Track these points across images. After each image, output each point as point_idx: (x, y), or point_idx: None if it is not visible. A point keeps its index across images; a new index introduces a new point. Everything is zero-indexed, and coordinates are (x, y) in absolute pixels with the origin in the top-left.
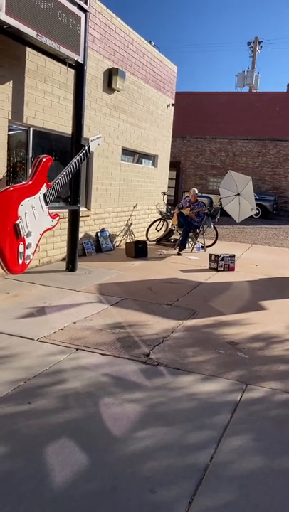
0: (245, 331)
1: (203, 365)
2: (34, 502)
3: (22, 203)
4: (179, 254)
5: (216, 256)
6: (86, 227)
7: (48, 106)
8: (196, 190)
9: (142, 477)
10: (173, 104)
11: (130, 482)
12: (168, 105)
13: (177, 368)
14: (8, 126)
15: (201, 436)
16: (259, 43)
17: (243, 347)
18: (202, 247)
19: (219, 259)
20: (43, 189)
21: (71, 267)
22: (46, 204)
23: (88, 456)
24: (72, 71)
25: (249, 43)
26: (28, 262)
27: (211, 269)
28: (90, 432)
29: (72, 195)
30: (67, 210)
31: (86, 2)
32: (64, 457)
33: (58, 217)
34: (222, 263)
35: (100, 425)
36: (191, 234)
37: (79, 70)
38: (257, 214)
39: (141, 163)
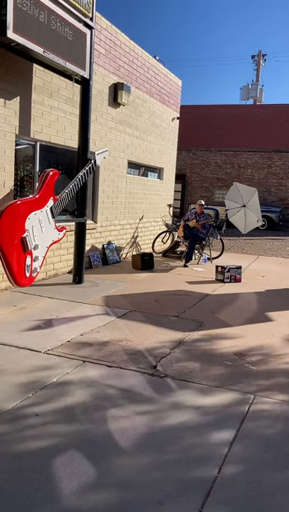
0: (252, 342)
1: (211, 377)
2: None
3: (29, 217)
4: (185, 266)
5: (222, 267)
6: (92, 240)
7: (55, 121)
8: (203, 202)
9: (150, 489)
10: (178, 118)
11: (138, 494)
12: (173, 118)
13: (184, 379)
14: (16, 140)
15: (209, 449)
16: (263, 56)
17: (250, 359)
18: (208, 258)
19: (226, 270)
20: (50, 202)
21: (78, 279)
22: (53, 217)
23: (96, 468)
24: (78, 86)
25: (253, 57)
26: (35, 274)
27: (218, 280)
28: (97, 444)
29: (79, 208)
30: (73, 223)
31: (92, 19)
32: (72, 469)
33: (64, 230)
34: (228, 274)
35: (107, 437)
36: (197, 246)
37: (85, 85)
38: (263, 225)
39: (147, 176)
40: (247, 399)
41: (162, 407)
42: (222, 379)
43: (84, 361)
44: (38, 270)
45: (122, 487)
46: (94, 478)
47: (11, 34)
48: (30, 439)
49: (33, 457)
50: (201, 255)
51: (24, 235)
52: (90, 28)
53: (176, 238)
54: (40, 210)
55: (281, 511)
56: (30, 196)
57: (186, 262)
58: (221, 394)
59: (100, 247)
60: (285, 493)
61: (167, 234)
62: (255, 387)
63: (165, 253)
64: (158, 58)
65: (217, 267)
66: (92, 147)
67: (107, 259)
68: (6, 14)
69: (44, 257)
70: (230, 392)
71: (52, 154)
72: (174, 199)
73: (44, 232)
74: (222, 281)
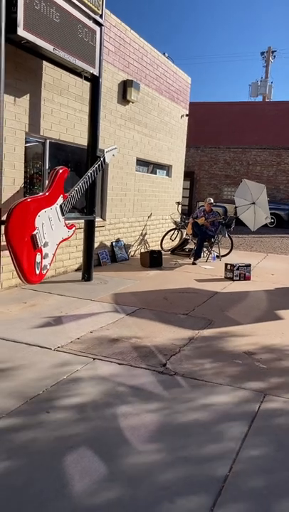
0: (262, 340)
1: (221, 375)
2: (54, 510)
3: (39, 214)
4: (193, 263)
5: (231, 265)
6: (101, 238)
7: (64, 118)
8: (212, 199)
9: (161, 487)
10: (187, 115)
11: (149, 492)
12: (182, 115)
13: (194, 377)
14: (25, 138)
15: (220, 447)
16: (272, 52)
17: (260, 357)
18: (217, 256)
19: (235, 268)
20: (60, 200)
21: (87, 276)
22: (63, 215)
23: (107, 466)
24: (88, 84)
25: (262, 53)
26: (45, 272)
27: (227, 278)
28: (108, 442)
29: (88, 205)
30: (83, 221)
31: (101, 16)
32: (83, 466)
33: (74, 228)
34: (238, 272)
35: (118, 435)
36: (206, 243)
37: (94, 82)
38: (272, 223)
39: (155, 173)
40: (257, 397)
41: (172, 405)
42: (232, 377)
43: (94, 358)
44: (48, 267)
45: (134, 485)
46: (105, 476)
47: (21, 32)
48: (42, 436)
49: (45, 454)
50: (210, 253)
51: (34, 233)
52: (100, 25)
53: (184, 236)
54: (50, 208)
55: None
56: (40, 194)
57: (195, 259)
58: (231, 392)
59: (108, 244)
60: None
61: (176, 231)
62: (266, 385)
63: (174, 251)
64: (167, 55)
65: (226, 264)
66: (101, 145)
67: (115, 256)
68: (16, 12)
69: (54, 255)
70: (241, 391)
71: (61, 152)
72: (183, 196)
73: (54, 229)
74: (231, 279)
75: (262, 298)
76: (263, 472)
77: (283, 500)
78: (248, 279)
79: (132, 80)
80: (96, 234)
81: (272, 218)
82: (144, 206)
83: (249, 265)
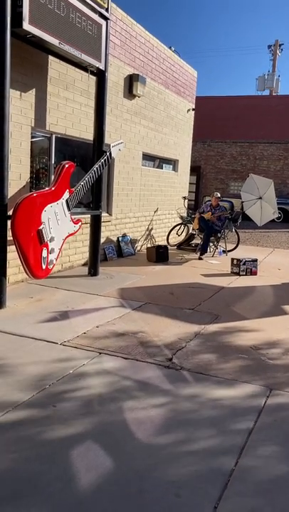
0: (268, 335)
1: (227, 370)
2: (61, 503)
3: (45, 209)
4: (200, 258)
5: (238, 260)
6: (107, 233)
7: (70, 113)
8: (219, 194)
9: (167, 481)
10: (193, 109)
11: (155, 486)
12: (188, 110)
13: (200, 372)
14: (31, 133)
15: (226, 441)
16: (280, 45)
17: (266, 352)
18: (224, 251)
19: (241, 263)
20: (66, 195)
21: (93, 271)
22: (69, 209)
23: (113, 460)
24: (94, 78)
25: (269, 46)
26: (51, 266)
27: (233, 273)
28: (114, 436)
29: (94, 200)
30: (89, 216)
31: (107, 10)
32: (89, 460)
33: (80, 223)
34: (244, 267)
35: (124, 429)
36: (212, 238)
37: (100, 76)
38: (279, 218)
39: (161, 168)
40: (264, 392)
41: (178, 399)
42: (238, 372)
43: (100, 353)
44: (54, 262)
45: (139, 478)
46: (111, 469)
47: (26, 26)
48: (48, 430)
49: (51, 447)
50: (216, 248)
51: (40, 228)
52: (106, 18)
53: (190, 231)
54: (56, 203)
55: None
56: (46, 189)
57: (201, 254)
58: (237, 387)
59: (114, 239)
60: None
61: (182, 226)
62: (272, 380)
63: (180, 246)
64: (173, 49)
65: (232, 259)
66: (107, 139)
67: (121, 251)
68: (22, 6)
69: (60, 250)
70: (247, 385)
71: (67, 147)
72: (189, 191)
73: (60, 224)
74: (237, 274)
75: (268, 293)
76: (268, 466)
77: None
78: (255, 274)
79: (137, 74)
80: (102, 229)
81: (279, 213)
82: (150, 201)
83: (256, 260)
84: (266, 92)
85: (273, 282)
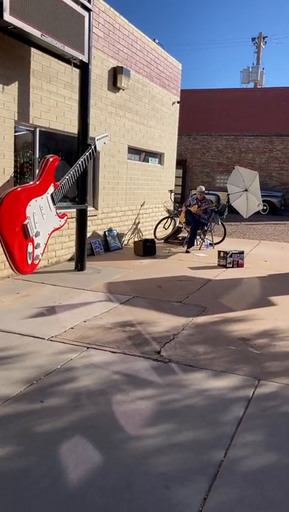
0: (255, 326)
1: (215, 362)
2: (50, 499)
3: (30, 204)
4: (187, 251)
5: (224, 253)
6: (94, 227)
7: (54, 106)
8: (203, 188)
9: (156, 474)
10: (178, 102)
11: (144, 479)
12: (173, 103)
13: (188, 364)
14: (15, 127)
15: (215, 433)
16: (263, 38)
17: (254, 343)
18: (210, 244)
19: (228, 255)
20: (51, 189)
21: (80, 266)
22: (54, 204)
23: (102, 454)
24: (77, 70)
25: (253, 39)
26: (37, 262)
27: (220, 265)
28: (103, 430)
29: (80, 194)
30: (74, 210)
31: (89, 1)
32: (78, 455)
33: (65, 217)
34: (231, 260)
35: (112, 423)
36: (199, 231)
37: (84, 69)
38: (265, 210)
39: (147, 161)
40: (252, 383)
41: (167, 391)
42: (226, 363)
43: (88, 347)
44: (40, 257)
45: (128, 472)
46: (100, 464)
47: (7, 17)
48: (36, 425)
49: (39, 443)
50: (203, 241)
51: (25, 222)
52: (88, 10)
53: (177, 224)
54: (40, 197)
55: (288, 494)
56: (31, 183)
57: (188, 247)
58: (225, 378)
59: (101, 233)
60: None
61: (169, 220)
62: (260, 371)
63: (167, 239)
64: (157, 41)
65: (219, 252)
66: (92, 132)
67: (108, 245)
68: None
69: (46, 244)
70: (235, 377)
71: (51, 140)
72: (175, 185)
73: (45, 219)
74: (224, 266)
75: (255, 285)
76: (257, 456)
77: (277, 483)
78: (241, 266)
79: (122, 67)
80: (88, 223)
81: (264, 205)
82: (136, 195)
83: (242, 252)
84: (251, 85)
85: (260, 274)
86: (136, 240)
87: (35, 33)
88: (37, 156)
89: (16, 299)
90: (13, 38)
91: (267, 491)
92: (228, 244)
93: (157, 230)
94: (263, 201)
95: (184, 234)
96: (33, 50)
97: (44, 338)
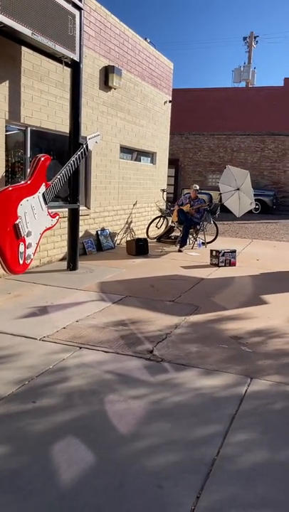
0: (248, 325)
1: (207, 360)
2: (42, 499)
3: (21, 203)
4: (179, 250)
5: (217, 252)
6: (86, 226)
7: (45, 105)
8: (198, 187)
9: (149, 473)
10: (170, 101)
11: (137, 478)
12: (165, 102)
13: (181, 363)
14: (6, 126)
15: (207, 431)
16: (255, 37)
17: (246, 341)
18: (203, 243)
19: (220, 254)
20: (42, 188)
21: (72, 266)
22: (46, 203)
23: (94, 454)
24: (69, 69)
25: (245, 38)
26: (28, 261)
27: (213, 264)
28: (95, 430)
29: (72, 194)
30: (66, 209)
31: (80, 0)
32: (70, 455)
33: (57, 217)
34: (223, 258)
35: (105, 422)
36: (191, 230)
37: (75, 68)
38: (256, 209)
39: (139, 160)
40: (244, 381)
41: (159, 390)
42: (219, 362)
43: (80, 347)
44: (32, 257)
45: (121, 471)
46: (92, 463)
47: None
48: (28, 426)
49: (31, 443)
50: (196, 240)
51: (17, 222)
52: (79, 8)
53: (170, 223)
54: (32, 197)
55: (281, 492)
56: (22, 182)
57: (181, 246)
58: (218, 377)
59: (93, 233)
60: (285, 473)
61: (161, 219)
62: (252, 369)
63: (159, 238)
64: (149, 40)
65: (212, 251)
66: (83, 132)
67: (101, 245)
68: None
69: (37, 244)
70: (228, 375)
71: (43, 140)
72: (168, 184)
73: (37, 218)
74: (217, 265)
75: (247, 283)
76: (250, 454)
77: (270, 481)
78: (234, 264)
79: (113, 66)
80: (81, 223)
81: (256, 204)
82: (129, 194)
83: (234, 251)
84: (242, 84)
85: (252, 273)
86: (128, 239)
87: (26, 31)
88: (28, 156)
89: (8, 299)
90: (4, 37)
91: (259, 489)
92: (221, 243)
93: (150, 229)
94: (255, 200)
95: (177, 233)
96: (23, 48)
97: (36, 338)
